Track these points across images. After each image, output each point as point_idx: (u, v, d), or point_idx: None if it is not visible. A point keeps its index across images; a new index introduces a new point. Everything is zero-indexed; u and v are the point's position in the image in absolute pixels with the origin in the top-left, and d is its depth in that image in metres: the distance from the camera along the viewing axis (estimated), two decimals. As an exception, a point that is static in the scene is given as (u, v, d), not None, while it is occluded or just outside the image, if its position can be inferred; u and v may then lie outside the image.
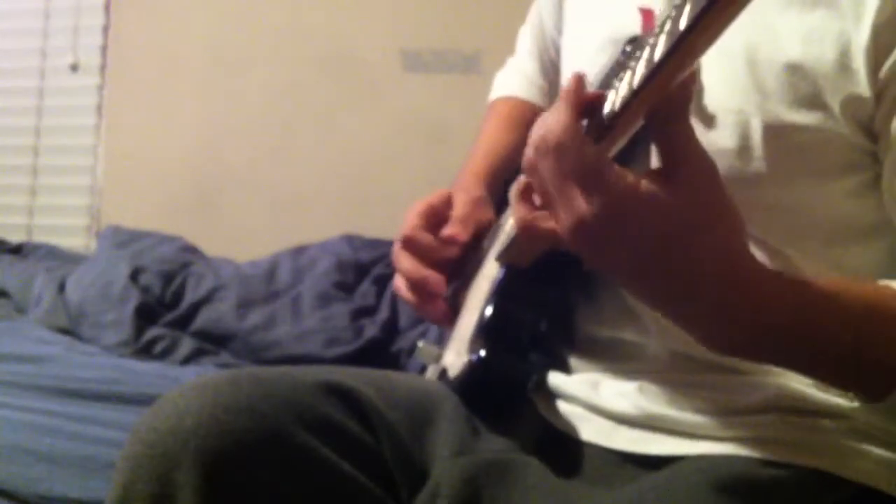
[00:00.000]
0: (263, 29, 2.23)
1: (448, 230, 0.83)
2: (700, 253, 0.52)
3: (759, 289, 0.54)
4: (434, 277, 0.81)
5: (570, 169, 0.52)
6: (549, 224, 0.57)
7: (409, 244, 0.83)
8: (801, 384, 0.65)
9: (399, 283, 0.85)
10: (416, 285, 0.83)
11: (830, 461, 0.62)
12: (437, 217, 0.86)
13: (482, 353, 0.73)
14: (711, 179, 0.52)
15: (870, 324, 0.57)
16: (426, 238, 0.83)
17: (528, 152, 0.57)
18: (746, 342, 0.57)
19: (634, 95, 0.51)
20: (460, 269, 0.86)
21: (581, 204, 0.52)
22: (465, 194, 0.88)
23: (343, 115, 2.16)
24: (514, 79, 1.05)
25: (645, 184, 0.51)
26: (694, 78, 0.52)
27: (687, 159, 0.52)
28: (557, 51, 0.95)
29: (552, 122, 0.54)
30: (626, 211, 0.51)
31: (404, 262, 0.83)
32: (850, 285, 0.58)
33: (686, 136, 0.52)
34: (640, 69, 0.50)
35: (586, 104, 0.56)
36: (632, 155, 0.58)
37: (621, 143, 0.55)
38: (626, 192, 0.51)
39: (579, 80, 0.56)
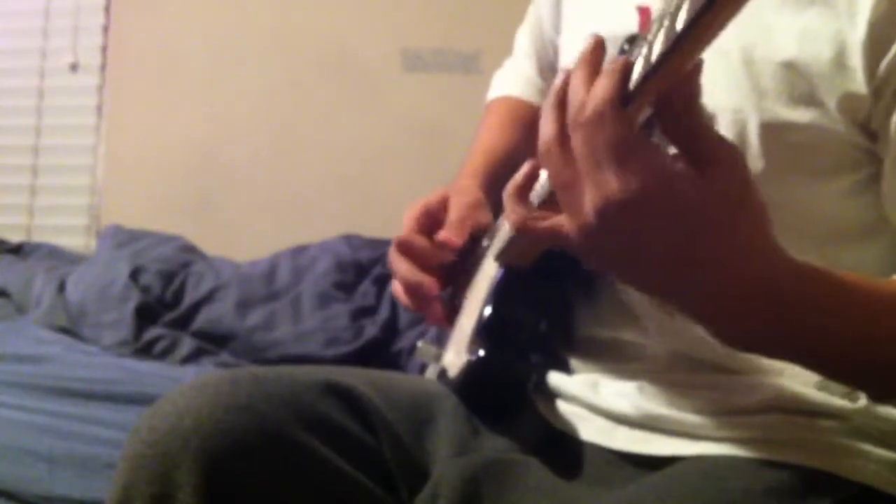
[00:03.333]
0: (263, 29, 2.23)
1: (443, 234, 0.83)
2: (728, 248, 0.50)
3: (784, 285, 0.52)
4: (428, 281, 0.81)
5: (609, 142, 0.49)
6: (547, 224, 0.56)
7: (404, 248, 0.83)
8: (800, 384, 0.65)
9: (396, 286, 0.85)
10: (411, 289, 0.83)
11: (830, 461, 0.62)
12: (432, 219, 0.86)
13: (481, 352, 0.73)
14: (741, 172, 0.50)
15: (885, 319, 0.56)
16: (421, 242, 0.83)
17: (548, 132, 0.53)
18: (767, 338, 0.55)
19: (633, 94, 0.50)
20: (457, 272, 0.86)
21: (612, 182, 0.48)
22: (462, 197, 0.88)
23: (343, 115, 2.16)
24: (512, 78, 1.05)
25: (680, 168, 0.48)
26: (700, 70, 0.50)
27: (715, 152, 0.49)
28: (556, 51, 0.95)
29: (598, 90, 0.50)
30: (662, 192, 0.48)
31: (399, 265, 0.83)
32: (872, 281, 0.57)
33: (707, 127, 0.49)
34: (638, 68, 0.50)
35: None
36: None
37: None
38: (664, 170, 0.48)
39: (627, 63, 0.51)
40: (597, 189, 0.49)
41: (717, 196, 0.48)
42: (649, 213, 0.49)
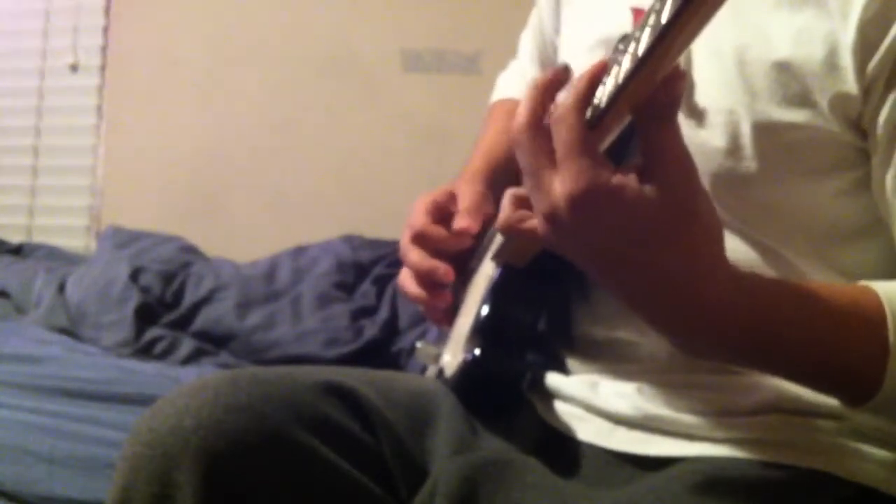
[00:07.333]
0: (263, 29, 2.23)
1: (459, 223, 0.82)
2: (668, 256, 0.52)
3: (730, 295, 0.54)
4: (443, 267, 0.80)
5: (561, 143, 0.52)
6: (529, 224, 0.57)
7: (420, 239, 0.82)
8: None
9: (405, 279, 0.84)
10: (424, 276, 0.82)
11: (829, 461, 0.62)
12: (442, 212, 0.85)
13: (476, 352, 0.73)
14: (689, 183, 0.52)
15: (847, 330, 0.57)
16: (439, 232, 0.82)
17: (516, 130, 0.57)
18: (714, 346, 0.57)
19: (620, 90, 0.51)
20: (465, 265, 0.86)
21: (556, 189, 0.52)
22: (470, 187, 0.88)
23: (343, 115, 2.16)
24: (515, 81, 1.05)
25: (622, 179, 0.51)
26: (683, 77, 0.51)
27: (667, 161, 0.51)
28: (556, 52, 0.95)
29: (562, 96, 0.53)
30: (598, 202, 0.51)
31: (414, 255, 0.82)
32: (830, 289, 0.58)
33: (670, 137, 0.52)
34: (626, 64, 0.50)
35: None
36: (623, 152, 0.58)
37: (608, 139, 0.55)
38: (602, 183, 0.51)
39: (602, 66, 0.54)
40: (543, 197, 0.53)
41: (662, 203, 0.51)
42: (590, 218, 0.52)
